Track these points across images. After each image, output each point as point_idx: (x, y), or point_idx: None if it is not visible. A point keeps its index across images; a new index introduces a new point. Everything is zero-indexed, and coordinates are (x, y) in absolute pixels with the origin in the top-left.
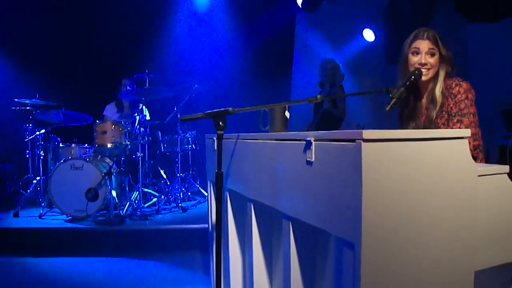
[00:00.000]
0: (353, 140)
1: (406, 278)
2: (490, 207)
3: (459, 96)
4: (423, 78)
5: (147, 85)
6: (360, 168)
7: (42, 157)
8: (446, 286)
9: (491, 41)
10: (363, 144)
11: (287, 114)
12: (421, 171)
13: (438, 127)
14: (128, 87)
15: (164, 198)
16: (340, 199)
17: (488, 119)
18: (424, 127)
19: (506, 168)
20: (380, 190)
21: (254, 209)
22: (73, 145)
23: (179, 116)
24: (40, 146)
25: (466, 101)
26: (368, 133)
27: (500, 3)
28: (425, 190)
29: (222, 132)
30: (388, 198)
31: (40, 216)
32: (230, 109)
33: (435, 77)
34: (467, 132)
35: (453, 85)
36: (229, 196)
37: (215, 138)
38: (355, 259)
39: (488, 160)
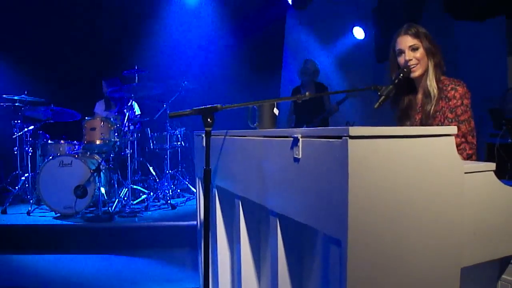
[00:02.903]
0: (339, 137)
1: (392, 274)
2: (476, 204)
3: (454, 101)
4: (414, 74)
5: (136, 81)
6: (346, 165)
7: (30, 154)
8: (432, 283)
9: (479, 40)
10: (350, 141)
11: (275, 111)
12: (408, 168)
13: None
14: (108, 88)
15: (153, 195)
16: (326, 196)
17: (476, 117)
18: (421, 124)
19: (492, 165)
20: (366, 187)
21: (242, 206)
22: (61, 141)
23: (168, 112)
24: (28, 143)
25: (462, 107)
26: (354, 130)
27: (488, 2)
28: (412, 187)
29: (210, 128)
30: (374, 195)
31: (28, 213)
32: (219, 105)
33: (426, 71)
34: (454, 130)
35: (449, 88)
36: (217, 193)
37: (203, 135)
38: (342, 256)
39: (476, 157)
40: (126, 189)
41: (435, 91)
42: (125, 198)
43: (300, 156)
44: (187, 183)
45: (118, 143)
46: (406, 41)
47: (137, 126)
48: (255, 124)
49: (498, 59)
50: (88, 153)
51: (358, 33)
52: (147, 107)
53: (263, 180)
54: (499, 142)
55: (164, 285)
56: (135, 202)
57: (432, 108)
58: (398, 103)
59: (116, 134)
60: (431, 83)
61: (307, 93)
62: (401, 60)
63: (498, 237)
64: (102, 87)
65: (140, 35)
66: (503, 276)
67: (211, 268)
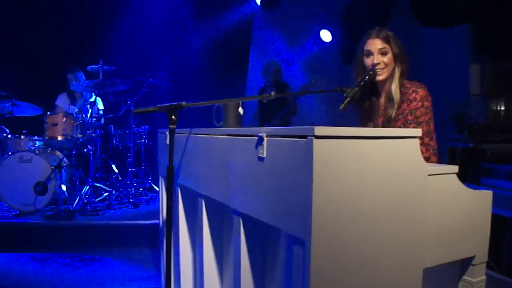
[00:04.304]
0: (304, 137)
1: (355, 275)
2: (439, 206)
3: (414, 103)
4: (378, 78)
5: (100, 77)
6: (311, 164)
7: None
8: (395, 283)
9: (444, 47)
10: (315, 141)
11: (240, 110)
12: (372, 169)
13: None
14: (73, 82)
15: (115, 193)
16: (290, 196)
17: (439, 122)
18: (383, 127)
19: (455, 168)
20: (330, 187)
21: (205, 205)
22: (22, 137)
23: (132, 109)
24: None
25: (422, 109)
26: (320, 130)
27: (455, 10)
28: (376, 188)
29: (174, 126)
30: (338, 195)
31: None
32: (184, 103)
33: (391, 76)
34: (418, 132)
35: (410, 91)
36: (181, 192)
37: (167, 133)
38: (305, 256)
39: (438, 161)
40: (88, 186)
41: (398, 96)
42: (87, 196)
43: (264, 155)
44: (150, 181)
45: (80, 139)
46: (376, 44)
47: (100, 122)
48: (220, 123)
49: (461, 66)
50: (49, 149)
51: (325, 35)
52: (111, 103)
53: (227, 179)
54: (461, 147)
55: (126, 285)
56: (97, 200)
57: (394, 112)
58: (361, 105)
59: (78, 130)
60: (395, 89)
61: (272, 93)
62: (368, 61)
63: (459, 239)
64: (68, 79)
65: (106, 30)
66: (464, 277)
67: (173, 267)
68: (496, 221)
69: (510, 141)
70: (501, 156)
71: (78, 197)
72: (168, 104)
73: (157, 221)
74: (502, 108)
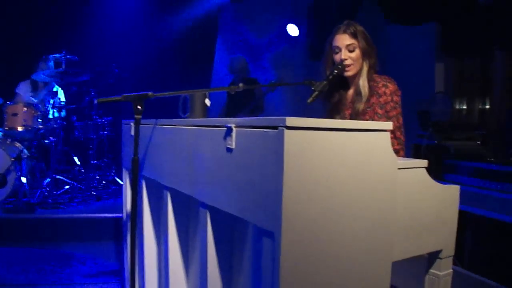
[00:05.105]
0: (275, 127)
1: (325, 267)
2: (408, 200)
3: (384, 97)
4: (347, 73)
5: (63, 66)
6: (281, 156)
7: None
8: (364, 276)
9: (410, 44)
10: (286, 132)
11: (207, 101)
12: (343, 161)
13: None
14: (42, 70)
15: (77, 186)
16: (260, 187)
17: (405, 118)
18: (351, 119)
19: (424, 162)
20: (301, 179)
21: (170, 197)
22: None
23: (95, 101)
24: None
25: (391, 103)
26: (291, 120)
27: (422, 8)
28: (346, 181)
29: (140, 116)
30: (309, 187)
31: None
32: (150, 93)
33: (359, 71)
34: (389, 125)
35: (380, 85)
36: (145, 184)
37: (132, 124)
38: (275, 248)
39: (405, 156)
40: (49, 179)
41: (366, 90)
42: (48, 189)
43: (233, 147)
44: (113, 174)
45: (41, 130)
46: (343, 40)
47: (62, 113)
48: (186, 115)
49: (427, 63)
50: (9, 140)
51: (293, 30)
52: (74, 94)
53: (194, 171)
54: (426, 143)
55: (88, 279)
56: (58, 193)
57: (362, 106)
58: (329, 98)
59: (39, 121)
60: (364, 83)
61: (240, 85)
62: (337, 57)
63: (427, 232)
64: (38, 67)
65: (69, 18)
66: (431, 270)
67: (138, 261)
68: (459, 216)
69: (473, 139)
70: (464, 153)
71: (39, 190)
72: (133, 93)
73: (121, 215)
74: (466, 106)
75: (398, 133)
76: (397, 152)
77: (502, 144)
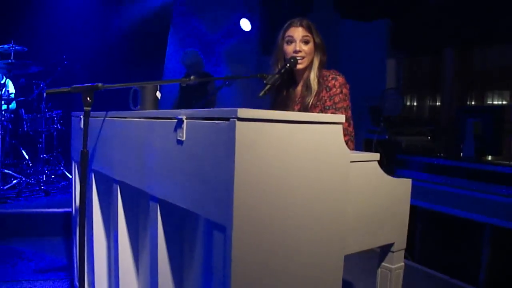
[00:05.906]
0: (227, 119)
1: (277, 260)
2: (360, 193)
3: (334, 89)
4: (299, 66)
5: (11, 58)
6: (233, 148)
7: None
8: (317, 269)
9: (362, 40)
10: (238, 123)
11: (158, 94)
12: (295, 153)
13: None
14: None
15: (25, 180)
16: (211, 180)
17: (356, 114)
18: None
19: (377, 155)
20: (253, 171)
21: (120, 191)
22: None
23: (44, 93)
24: None
25: (340, 95)
26: (243, 112)
27: (375, 5)
28: (299, 173)
29: (89, 108)
30: (261, 180)
31: None
32: (100, 84)
33: (310, 65)
34: (342, 118)
35: (329, 78)
36: (95, 178)
37: (81, 116)
38: (226, 242)
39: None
40: None
41: (316, 85)
42: None
43: (184, 139)
44: (62, 168)
45: None
46: (299, 32)
47: (10, 106)
48: (137, 107)
49: (379, 60)
50: None
51: (245, 24)
52: (22, 86)
53: (144, 163)
54: (377, 138)
55: (37, 275)
56: (6, 187)
57: (311, 101)
58: (278, 93)
59: None
60: (313, 78)
61: (192, 77)
62: (289, 49)
63: (379, 226)
64: None
65: (18, 8)
66: (383, 263)
67: (87, 257)
68: (410, 210)
69: (423, 134)
70: (414, 148)
71: None
72: (83, 85)
73: (70, 209)
74: (416, 102)
75: (345, 125)
76: (345, 143)
77: (452, 140)
